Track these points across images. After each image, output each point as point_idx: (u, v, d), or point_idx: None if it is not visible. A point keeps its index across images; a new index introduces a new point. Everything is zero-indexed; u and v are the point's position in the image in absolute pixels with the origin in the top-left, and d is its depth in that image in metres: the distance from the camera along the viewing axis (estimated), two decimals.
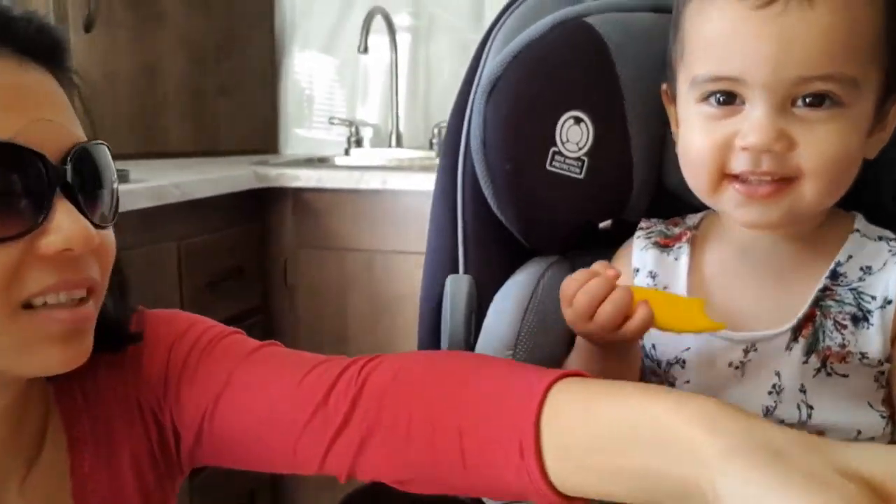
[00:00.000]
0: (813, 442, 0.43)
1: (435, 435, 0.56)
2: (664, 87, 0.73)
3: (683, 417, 0.46)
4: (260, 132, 2.36)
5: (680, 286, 0.71)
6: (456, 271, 0.82)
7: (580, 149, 0.77)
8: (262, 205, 1.87)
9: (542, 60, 0.77)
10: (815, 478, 0.39)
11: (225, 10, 2.22)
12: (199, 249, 1.62)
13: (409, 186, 1.74)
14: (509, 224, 0.80)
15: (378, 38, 2.18)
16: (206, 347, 0.65)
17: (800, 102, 0.60)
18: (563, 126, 0.76)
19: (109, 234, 0.58)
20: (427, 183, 1.73)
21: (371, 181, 1.77)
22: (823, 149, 0.60)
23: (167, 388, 0.64)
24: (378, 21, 2.13)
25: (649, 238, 0.75)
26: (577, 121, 0.76)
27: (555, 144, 0.76)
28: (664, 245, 0.74)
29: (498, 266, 0.82)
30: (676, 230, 0.75)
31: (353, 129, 2.30)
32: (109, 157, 0.58)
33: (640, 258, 0.74)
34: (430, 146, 2.20)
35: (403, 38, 2.25)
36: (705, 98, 0.64)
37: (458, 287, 0.81)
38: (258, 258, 1.86)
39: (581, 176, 0.77)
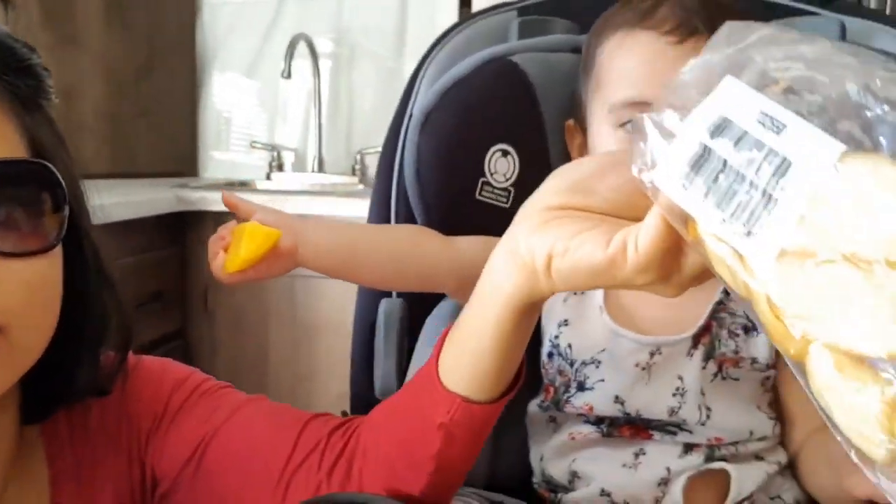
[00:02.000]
0: None
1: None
2: (569, 122, 0.78)
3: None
4: (178, 155, 2.34)
5: (598, 293, 0.76)
6: (389, 295, 0.85)
7: (507, 179, 0.81)
8: (183, 228, 1.85)
9: (471, 96, 0.81)
10: None
11: (145, 32, 2.20)
12: (118, 273, 1.60)
13: (333, 212, 1.76)
14: None
15: (301, 64, 2.20)
16: (207, 392, 0.66)
17: None
18: (491, 158, 0.81)
19: (31, 264, 0.51)
20: (350, 208, 1.76)
21: (295, 206, 1.77)
22: None
23: (158, 428, 0.64)
24: (301, 46, 2.16)
25: None
26: (505, 153, 0.81)
27: (484, 175, 0.80)
28: None
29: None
30: None
31: (275, 154, 2.30)
32: (44, 176, 0.52)
33: None
34: (353, 172, 2.22)
35: (326, 65, 2.28)
36: (622, 124, 0.70)
37: (390, 311, 0.84)
38: (178, 283, 1.84)
39: (508, 205, 0.81)
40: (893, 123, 0.32)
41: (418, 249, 0.75)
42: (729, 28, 0.41)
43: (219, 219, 1.84)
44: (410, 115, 0.86)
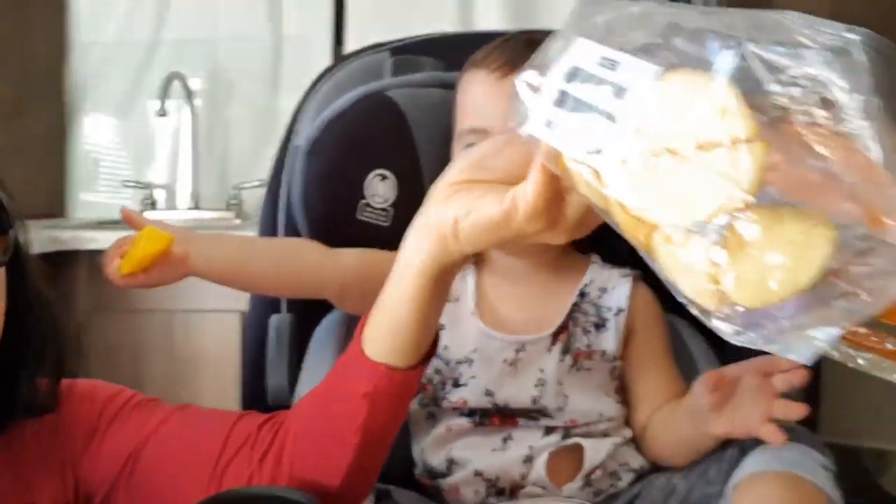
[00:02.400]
0: None
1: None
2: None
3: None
4: (48, 196, 2.30)
5: (470, 298, 0.86)
6: (278, 311, 0.92)
7: (385, 201, 0.90)
8: (55, 269, 1.82)
9: (351, 127, 0.91)
10: None
11: (12, 71, 2.17)
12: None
13: None
14: None
15: (174, 103, 2.22)
16: (138, 404, 0.69)
17: None
18: (370, 182, 0.89)
19: None
20: None
21: None
22: None
23: (91, 442, 0.66)
24: (175, 86, 2.18)
25: None
26: (383, 177, 0.90)
27: (364, 197, 0.89)
28: None
29: (315, 304, 0.92)
30: None
31: (149, 192, 2.30)
32: None
33: None
34: (228, 207, 2.24)
35: (200, 103, 2.30)
36: (467, 146, 0.82)
37: (280, 325, 0.91)
38: None
39: (388, 224, 0.90)
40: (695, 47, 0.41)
41: (302, 258, 0.84)
42: (580, 7, 0.49)
43: (92, 258, 1.82)
44: (294, 147, 0.94)
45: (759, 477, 0.70)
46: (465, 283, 0.87)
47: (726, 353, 0.90)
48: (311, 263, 0.83)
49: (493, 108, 0.79)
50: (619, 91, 0.43)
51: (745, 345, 0.40)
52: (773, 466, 0.70)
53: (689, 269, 0.41)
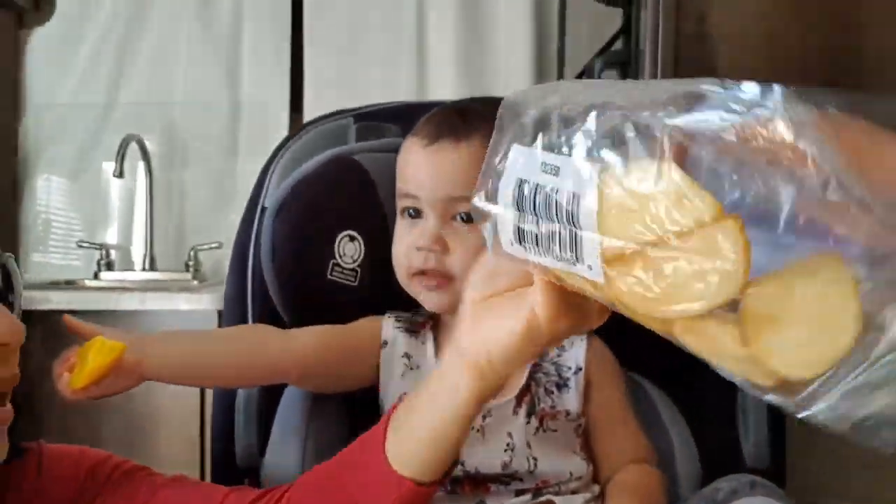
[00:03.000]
0: None
1: None
2: None
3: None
4: None
5: (430, 365, 0.87)
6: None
7: (354, 261, 0.92)
8: None
9: (320, 188, 0.93)
10: None
11: None
12: None
13: (171, 307, 1.78)
14: (295, 326, 0.93)
15: (130, 164, 2.22)
16: (128, 472, 0.69)
17: (458, 217, 0.82)
18: (340, 242, 0.92)
19: None
20: (187, 304, 1.79)
21: (130, 302, 1.78)
22: (468, 256, 0.81)
23: None
24: (132, 147, 2.18)
25: (399, 322, 0.90)
26: (352, 238, 0.92)
27: (334, 257, 0.91)
28: (412, 330, 0.90)
29: None
30: (419, 319, 0.91)
31: (103, 253, 2.28)
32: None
33: (391, 334, 0.89)
34: (186, 269, 2.24)
35: (156, 164, 2.31)
36: (403, 212, 0.86)
37: (249, 389, 0.92)
38: None
39: (355, 283, 0.92)
40: (630, 127, 0.39)
41: (259, 350, 0.83)
42: (504, 111, 0.48)
43: (45, 318, 1.80)
44: (262, 208, 0.96)
45: None
46: (426, 350, 0.88)
47: (685, 402, 0.94)
48: (268, 352, 0.83)
49: (421, 175, 0.83)
50: (572, 197, 0.42)
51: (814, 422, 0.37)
52: None
53: (722, 352, 0.39)
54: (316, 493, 0.67)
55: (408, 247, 0.85)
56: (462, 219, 0.82)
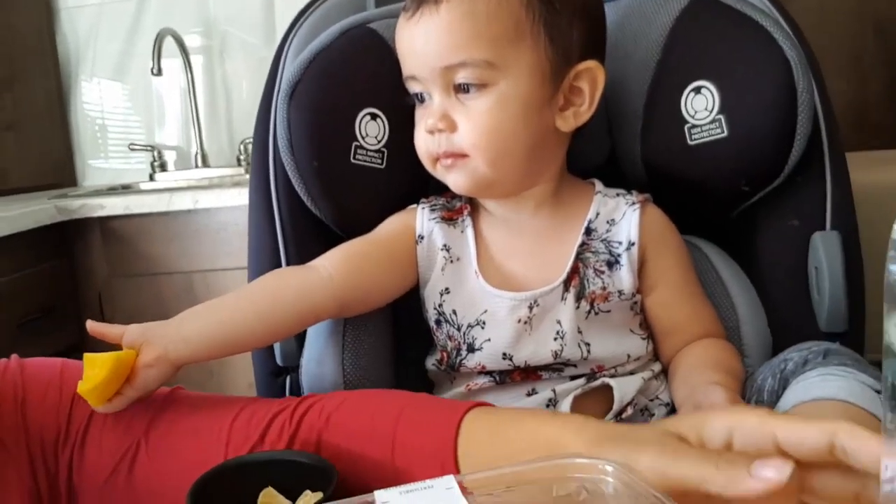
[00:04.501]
0: (640, 424, 0.55)
1: (367, 467, 0.61)
2: None
3: (559, 427, 0.55)
4: (54, 167, 2.28)
5: (472, 256, 0.80)
6: (279, 266, 0.88)
7: (379, 142, 0.85)
8: (69, 238, 1.81)
9: (334, 64, 0.84)
10: (648, 439, 0.50)
11: (0, 42, 2.13)
12: (4, 290, 1.56)
13: (222, 203, 1.76)
14: (323, 216, 0.87)
15: (171, 61, 2.17)
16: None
17: (461, 88, 0.74)
18: (361, 122, 0.84)
19: None
20: (239, 198, 1.75)
21: (182, 202, 1.76)
22: (473, 127, 0.74)
23: (67, 441, 0.64)
24: (170, 43, 2.12)
25: (434, 210, 0.83)
26: (374, 116, 0.85)
27: (356, 139, 0.84)
28: (449, 219, 0.83)
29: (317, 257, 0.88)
30: (457, 204, 0.84)
31: (156, 154, 2.27)
32: None
33: (426, 227, 0.82)
34: (238, 163, 2.21)
35: (197, 59, 2.25)
36: (415, 98, 0.79)
37: None
38: (70, 293, 1.81)
39: (383, 166, 0.85)
40: None
41: (282, 300, 0.75)
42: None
43: (104, 224, 1.81)
44: (278, 91, 0.89)
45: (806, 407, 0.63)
46: (465, 240, 0.81)
47: (755, 271, 0.85)
48: (295, 301, 0.76)
49: (415, 52, 0.75)
50: None
51: None
52: (821, 393, 0.63)
53: None
54: (360, 431, 0.63)
55: (423, 133, 0.77)
56: (464, 89, 0.73)
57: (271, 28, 2.24)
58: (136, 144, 2.27)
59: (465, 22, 0.71)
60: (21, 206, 1.71)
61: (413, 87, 0.78)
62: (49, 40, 2.27)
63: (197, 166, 2.23)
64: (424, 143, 0.78)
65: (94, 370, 0.64)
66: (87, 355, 0.65)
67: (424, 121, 0.77)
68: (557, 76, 0.74)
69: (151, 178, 2.25)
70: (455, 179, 0.78)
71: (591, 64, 0.75)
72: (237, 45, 2.26)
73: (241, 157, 2.20)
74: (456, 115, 0.74)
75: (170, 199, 1.77)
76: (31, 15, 2.23)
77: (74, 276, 1.82)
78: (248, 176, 2.13)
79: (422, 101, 0.78)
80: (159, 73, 2.05)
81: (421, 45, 0.74)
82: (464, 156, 0.75)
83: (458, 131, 0.74)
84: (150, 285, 1.83)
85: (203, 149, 2.24)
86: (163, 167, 2.27)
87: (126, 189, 2.15)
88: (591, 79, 0.76)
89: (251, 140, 2.18)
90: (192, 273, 1.82)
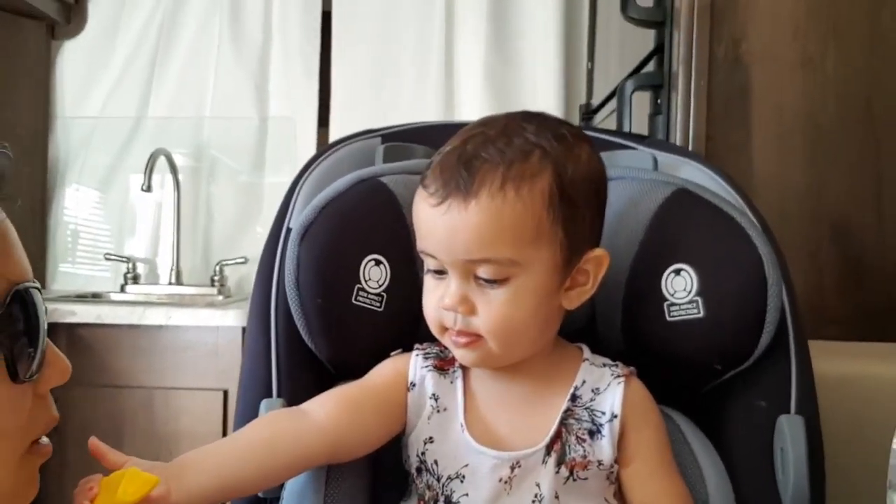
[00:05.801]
0: None
1: None
2: None
3: None
4: None
5: (459, 409, 0.83)
6: (270, 395, 0.91)
7: (380, 286, 0.90)
8: None
9: (346, 211, 0.91)
10: None
11: None
12: None
13: (195, 322, 1.78)
14: (318, 353, 0.91)
15: (158, 178, 2.23)
16: None
17: (480, 279, 0.77)
18: (365, 267, 0.90)
19: None
20: (211, 319, 1.78)
21: (155, 317, 1.78)
22: (493, 315, 0.77)
23: None
24: (160, 161, 2.19)
25: (427, 358, 0.86)
26: (377, 262, 0.90)
27: (359, 282, 0.89)
28: (441, 368, 0.86)
29: (307, 390, 0.91)
30: (450, 354, 0.86)
31: (130, 266, 2.29)
32: None
33: (419, 374, 0.85)
34: (212, 283, 2.24)
35: (184, 178, 2.32)
36: (427, 268, 0.82)
37: (272, 409, 0.90)
38: None
39: (381, 309, 0.90)
40: None
41: (278, 449, 0.79)
42: None
43: (72, 331, 1.80)
44: (287, 230, 0.95)
45: None
46: (454, 392, 0.84)
47: (724, 446, 0.90)
48: (289, 448, 0.79)
49: (436, 237, 0.78)
50: None
51: None
52: None
53: None
54: None
55: (436, 304, 0.80)
56: (484, 280, 0.77)
57: (261, 158, 2.33)
58: (112, 255, 2.30)
59: (493, 223, 0.75)
60: None
61: (429, 263, 0.80)
62: (42, 144, 2.33)
63: (171, 282, 2.26)
64: (437, 313, 0.80)
65: (135, 486, 0.65)
66: (131, 469, 0.66)
67: (438, 295, 0.79)
68: (570, 265, 0.79)
69: (122, 289, 2.26)
70: (464, 355, 0.81)
71: (598, 252, 0.81)
72: (224, 171, 2.34)
73: (216, 278, 2.23)
74: (475, 300, 0.77)
75: (143, 312, 1.79)
76: (29, 118, 2.30)
77: None
78: (220, 297, 2.16)
79: (436, 273, 0.81)
80: (149, 189, 2.11)
81: (445, 236, 0.77)
82: (479, 338, 0.78)
83: (477, 316, 0.77)
84: (109, 397, 1.82)
85: (178, 266, 2.27)
86: (135, 280, 2.29)
87: (96, 298, 2.16)
88: (596, 263, 0.81)
89: (228, 262, 2.24)
90: (153, 389, 1.81)
